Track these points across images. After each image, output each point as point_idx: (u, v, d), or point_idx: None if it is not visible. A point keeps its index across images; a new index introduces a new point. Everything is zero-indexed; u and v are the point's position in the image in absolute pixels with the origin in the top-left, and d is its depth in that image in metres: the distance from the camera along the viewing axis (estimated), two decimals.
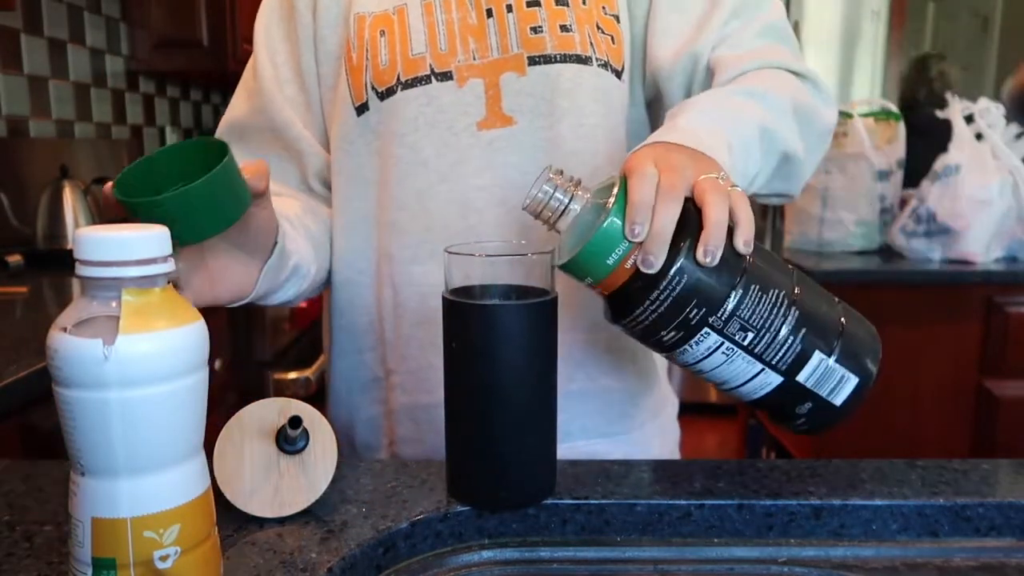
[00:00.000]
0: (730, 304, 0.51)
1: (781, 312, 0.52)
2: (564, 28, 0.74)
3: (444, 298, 0.55)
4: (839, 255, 1.93)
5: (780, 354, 0.53)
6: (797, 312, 0.53)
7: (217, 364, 1.65)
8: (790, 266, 0.56)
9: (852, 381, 0.54)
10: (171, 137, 2.78)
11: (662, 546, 0.56)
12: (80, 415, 0.39)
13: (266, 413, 0.54)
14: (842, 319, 0.55)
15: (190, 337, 0.40)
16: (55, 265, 1.68)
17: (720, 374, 0.55)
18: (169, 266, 0.40)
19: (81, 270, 0.39)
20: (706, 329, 0.52)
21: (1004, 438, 1.81)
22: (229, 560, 0.48)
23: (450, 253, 0.55)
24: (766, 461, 0.63)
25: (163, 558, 0.40)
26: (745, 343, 0.52)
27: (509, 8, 0.74)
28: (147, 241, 0.39)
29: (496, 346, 0.53)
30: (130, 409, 0.39)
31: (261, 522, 0.53)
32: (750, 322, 0.52)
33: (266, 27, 0.82)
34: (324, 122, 0.81)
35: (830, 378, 0.54)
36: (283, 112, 0.79)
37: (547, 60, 0.74)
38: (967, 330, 1.81)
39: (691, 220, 0.52)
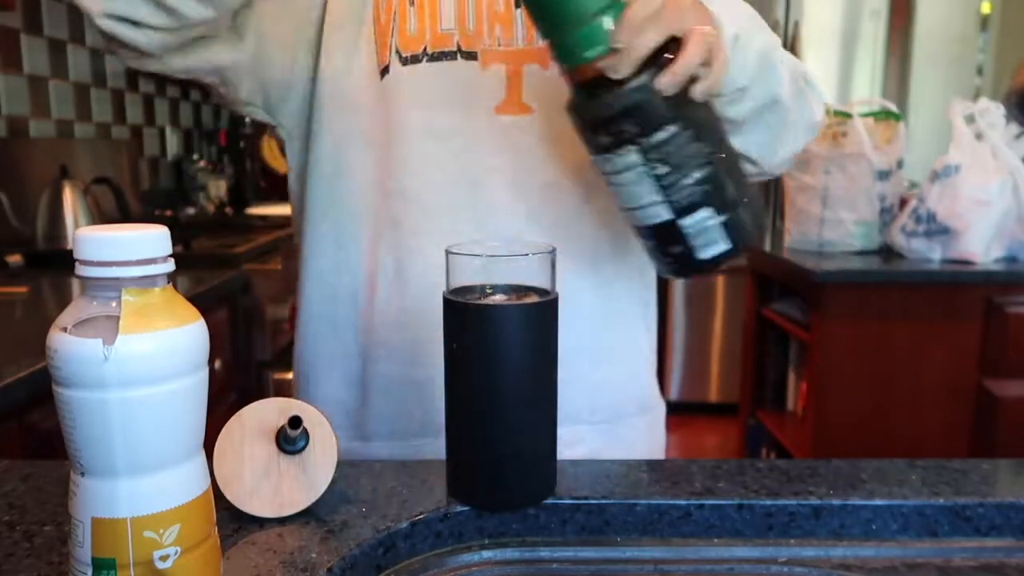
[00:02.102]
0: (661, 135, 0.56)
1: (699, 163, 0.58)
2: None
3: (444, 298, 0.55)
4: (839, 255, 1.92)
5: (680, 195, 0.58)
6: (712, 168, 0.58)
7: (217, 364, 1.65)
8: (733, 146, 0.64)
9: (723, 246, 0.60)
10: (171, 137, 2.78)
11: (662, 546, 0.56)
12: (80, 415, 0.39)
13: (266, 413, 0.54)
14: (745, 198, 0.61)
15: (190, 337, 0.40)
16: (55, 265, 1.68)
17: (626, 193, 0.60)
18: (169, 266, 0.40)
19: (81, 270, 0.39)
20: (633, 147, 0.57)
21: (1004, 438, 1.81)
22: (229, 560, 0.48)
23: (450, 253, 0.55)
24: (766, 461, 0.63)
25: (163, 558, 0.40)
26: (656, 173, 0.57)
27: None
28: (147, 241, 0.39)
29: (496, 346, 0.53)
30: (130, 409, 0.39)
31: (261, 522, 0.53)
32: (670, 158, 0.57)
33: None
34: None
35: (707, 234, 0.59)
36: None
37: None
38: (967, 330, 1.81)
39: (668, 55, 0.56)
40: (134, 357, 0.38)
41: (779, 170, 0.80)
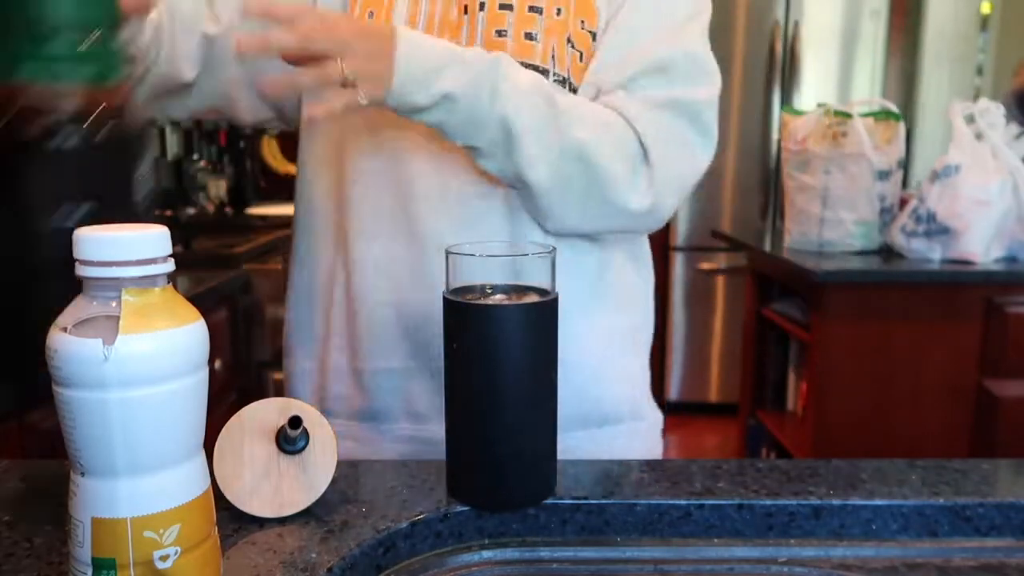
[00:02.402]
0: None
1: None
2: (528, 36, 0.75)
3: (444, 298, 0.55)
4: (839, 255, 1.92)
5: None
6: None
7: (217, 364, 1.65)
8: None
9: None
10: (171, 137, 2.78)
11: (662, 546, 0.56)
12: (80, 415, 0.39)
13: (266, 413, 0.54)
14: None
15: (190, 337, 0.40)
16: None
17: None
18: (169, 266, 0.40)
19: (81, 270, 0.39)
20: None
21: (1004, 438, 1.81)
22: (229, 560, 0.48)
23: (450, 253, 0.55)
24: (766, 461, 0.63)
25: (163, 558, 0.40)
26: None
27: (482, 6, 0.75)
28: (147, 241, 0.39)
29: (496, 346, 0.53)
30: (130, 409, 0.39)
31: (261, 522, 0.53)
32: None
33: None
34: None
35: None
36: None
37: None
38: (967, 330, 1.80)
39: None
40: (134, 357, 0.38)
41: (594, 233, 0.79)
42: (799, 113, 1.99)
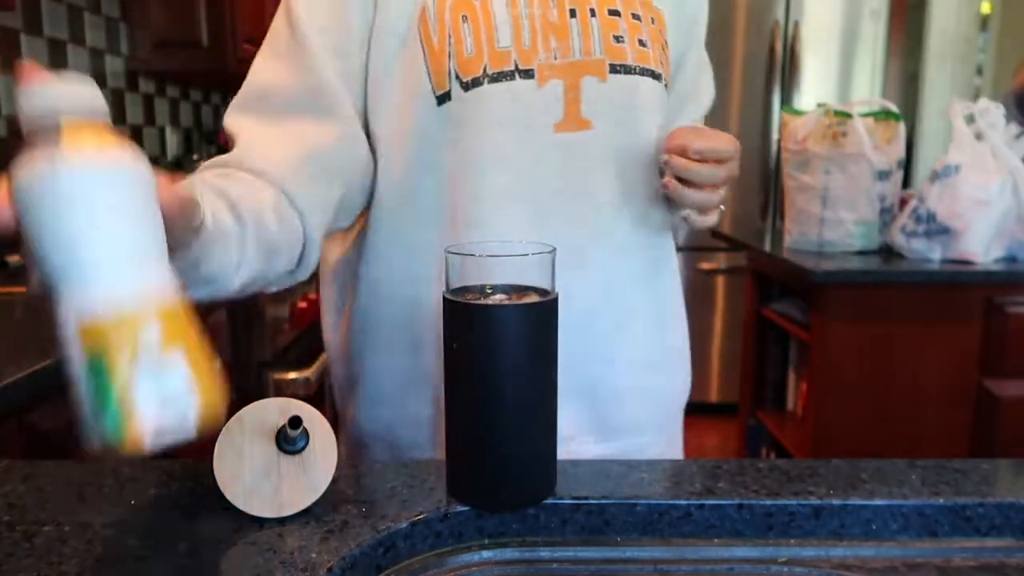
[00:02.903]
0: None
1: None
2: (641, 43, 0.76)
3: (444, 298, 0.55)
4: (839, 255, 1.92)
5: None
6: None
7: (217, 364, 1.65)
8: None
9: None
10: (171, 137, 2.78)
11: (662, 546, 0.56)
12: (39, 217, 0.40)
13: (266, 413, 0.54)
14: None
15: (131, 149, 0.43)
16: None
17: None
18: (104, 110, 0.43)
19: (25, 112, 0.41)
20: None
21: (1004, 438, 1.81)
22: (229, 560, 0.48)
23: (450, 253, 0.55)
24: (766, 461, 0.63)
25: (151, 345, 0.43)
26: None
27: (592, 12, 0.74)
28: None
29: (496, 346, 0.53)
30: (85, 199, 0.41)
31: (261, 522, 0.53)
32: None
33: None
34: (360, 94, 0.74)
35: None
36: (328, 80, 0.72)
37: (627, 70, 0.75)
38: (967, 330, 1.81)
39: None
40: (81, 164, 0.41)
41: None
42: (799, 113, 1.99)
